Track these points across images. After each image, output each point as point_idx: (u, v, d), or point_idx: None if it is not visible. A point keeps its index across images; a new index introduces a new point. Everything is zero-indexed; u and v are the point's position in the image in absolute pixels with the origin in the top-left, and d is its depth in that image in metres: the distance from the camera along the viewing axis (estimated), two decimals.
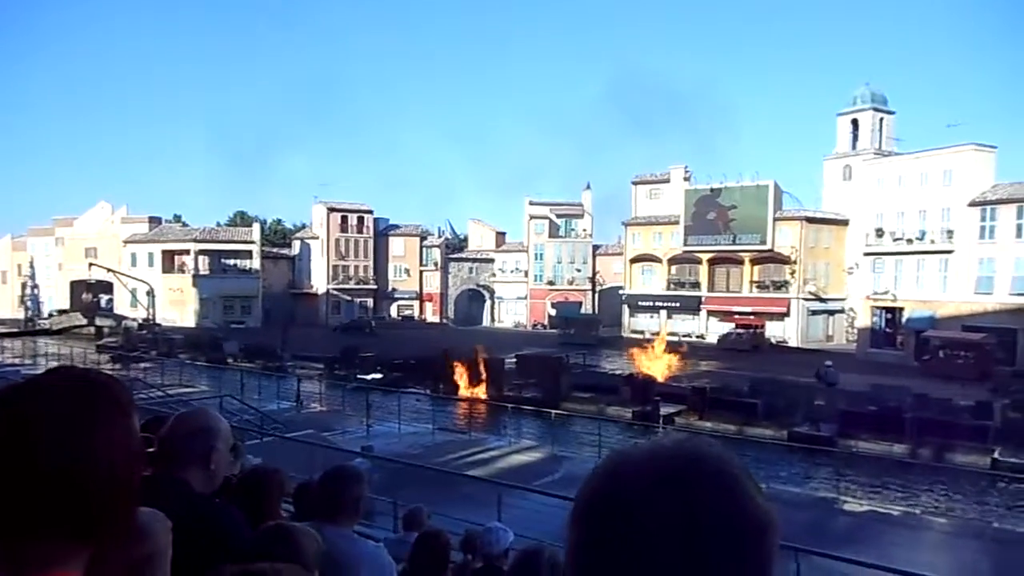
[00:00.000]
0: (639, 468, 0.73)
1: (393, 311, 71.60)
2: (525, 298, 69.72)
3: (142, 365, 35.93)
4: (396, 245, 72.89)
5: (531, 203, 70.14)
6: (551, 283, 68.28)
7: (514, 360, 33.61)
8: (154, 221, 70.65)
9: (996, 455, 20.26)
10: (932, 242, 40.22)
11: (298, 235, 76.41)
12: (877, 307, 43.73)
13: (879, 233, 42.86)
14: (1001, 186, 38.89)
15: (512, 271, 71.41)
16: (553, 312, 65.34)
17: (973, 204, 38.58)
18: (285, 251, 75.31)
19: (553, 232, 69.39)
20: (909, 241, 41.27)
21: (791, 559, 7.60)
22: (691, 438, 0.79)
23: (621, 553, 0.69)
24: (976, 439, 21.24)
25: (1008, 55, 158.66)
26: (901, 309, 42.16)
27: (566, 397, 28.48)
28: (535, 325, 67.04)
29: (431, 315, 71.46)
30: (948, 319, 38.87)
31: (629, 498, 0.71)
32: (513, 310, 71.31)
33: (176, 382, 27.62)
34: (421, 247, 73.03)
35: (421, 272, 72.63)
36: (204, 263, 66.10)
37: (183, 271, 65.76)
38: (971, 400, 23.71)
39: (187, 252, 65.89)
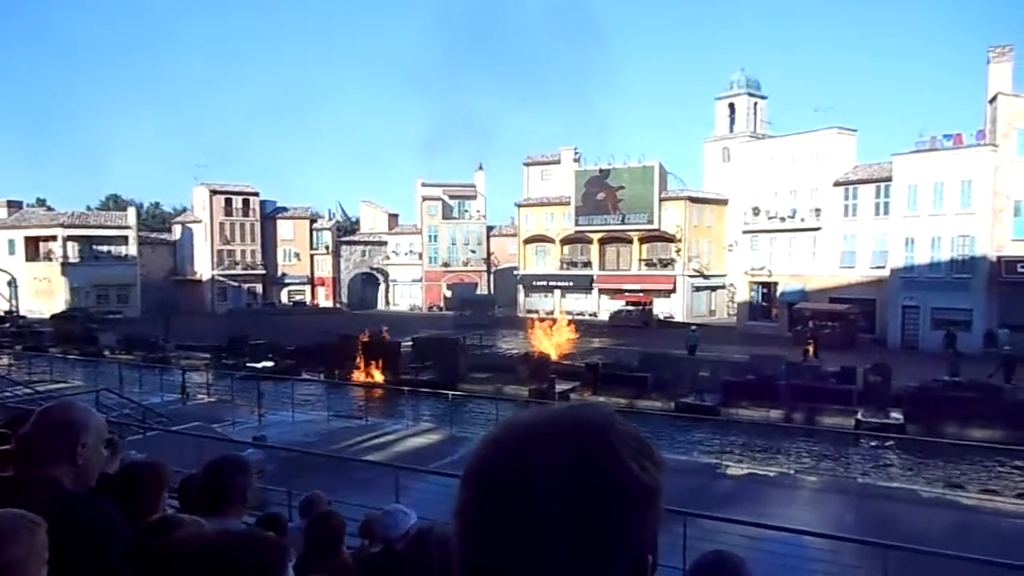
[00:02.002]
0: (526, 432, 0.76)
1: (284, 296, 69.47)
2: (420, 280, 69.23)
3: (4, 361, 33.26)
4: (285, 228, 70.53)
5: (424, 184, 69.52)
6: (446, 265, 68.09)
7: (410, 343, 33.40)
8: (14, 205, 65.17)
9: (859, 416, 21.97)
10: (802, 220, 42.91)
11: (179, 219, 72.60)
12: (755, 282, 46.32)
13: (755, 212, 45.28)
14: (861, 167, 41.90)
15: (406, 253, 70.67)
16: (449, 294, 65.29)
17: (837, 184, 41.40)
18: (165, 236, 71.36)
19: (447, 214, 69.10)
20: (782, 219, 43.85)
21: (679, 523, 7.98)
22: (581, 405, 0.83)
23: (506, 513, 0.71)
24: (842, 402, 23.00)
25: (866, 45, 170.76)
26: (776, 283, 44.84)
27: (463, 378, 28.62)
28: (431, 307, 66.78)
29: (324, 300, 69.85)
30: (817, 292, 41.70)
31: (514, 460, 0.73)
32: (408, 293, 70.67)
33: (46, 378, 25.68)
34: (311, 230, 71.02)
35: (312, 256, 70.70)
36: (74, 250, 61.53)
37: (50, 259, 61.01)
38: (837, 366, 25.57)
39: (54, 238, 61.14)
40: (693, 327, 35.10)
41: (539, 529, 0.70)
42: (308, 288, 70.57)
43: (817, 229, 42.25)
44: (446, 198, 69.35)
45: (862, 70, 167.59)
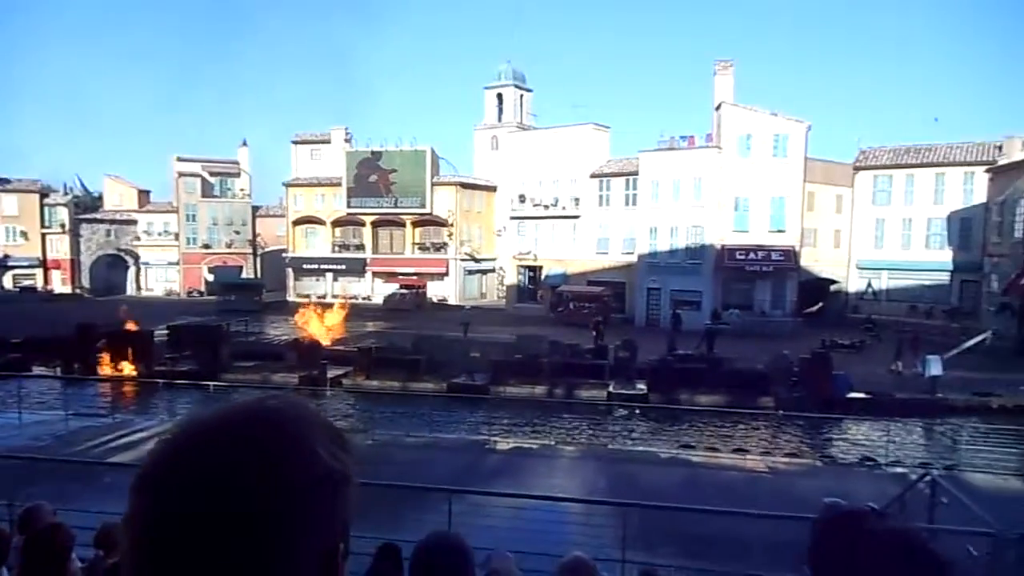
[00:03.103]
0: (200, 429, 0.73)
1: (7, 281, 60.29)
2: (177, 263, 63.79)
3: None
4: (8, 203, 61.18)
5: (180, 159, 63.91)
6: (207, 247, 63.39)
7: (166, 332, 30.76)
8: None
9: (611, 388, 24.22)
10: (563, 208, 45.98)
11: None
12: (522, 266, 48.83)
13: (522, 199, 47.67)
14: (613, 161, 45.83)
15: (160, 234, 64.64)
16: (211, 278, 60.84)
17: (593, 176, 44.92)
18: None
19: (207, 191, 64.23)
20: (546, 207, 46.64)
21: (444, 501, 8.33)
22: (269, 396, 0.79)
23: (181, 517, 0.66)
24: (596, 376, 25.16)
25: (623, 48, 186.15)
26: (541, 267, 47.68)
27: (227, 367, 27.00)
28: (191, 292, 61.96)
29: (60, 285, 61.72)
30: (577, 275, 45.04)
31: (189, 460, 0.70)
32: (163, 277, 64.84)
33: None
34: (42, 206, 62.28)
35: (44, 235, 62.11)
36: None
37: None
38: (592, 344, 27.84)
39: None
40: (467, 307, 36.22)
41: (219, 530, 0.65)
42: (40, 272, 61.96)
43: (576, 217, 45.49)
44: (206, 175, 64.40)
45: (618, 72, 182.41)
